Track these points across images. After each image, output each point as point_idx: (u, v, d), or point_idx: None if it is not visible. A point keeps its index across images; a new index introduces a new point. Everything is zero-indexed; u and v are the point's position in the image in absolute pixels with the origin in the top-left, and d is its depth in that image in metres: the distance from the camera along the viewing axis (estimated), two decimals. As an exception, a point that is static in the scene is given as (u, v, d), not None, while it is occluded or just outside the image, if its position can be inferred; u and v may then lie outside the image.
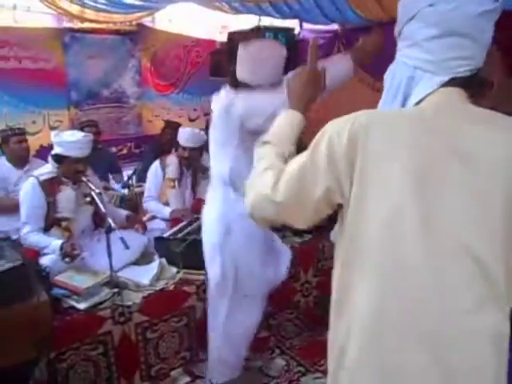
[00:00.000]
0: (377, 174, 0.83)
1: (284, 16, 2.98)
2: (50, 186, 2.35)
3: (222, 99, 1.85)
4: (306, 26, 3.95)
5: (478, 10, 0.83)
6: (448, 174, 0.81)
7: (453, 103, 0.87)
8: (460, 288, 0.80)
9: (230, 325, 2.04)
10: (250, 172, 1.07)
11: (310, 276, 2.87)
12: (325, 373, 2.41)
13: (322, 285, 2.94)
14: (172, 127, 3.85)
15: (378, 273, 0.84)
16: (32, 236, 2.29)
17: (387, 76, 0.97)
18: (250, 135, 1.65)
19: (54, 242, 2.25)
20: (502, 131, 0.83)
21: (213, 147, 1.98)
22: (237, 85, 1.83)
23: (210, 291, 2.10)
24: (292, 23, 3.94)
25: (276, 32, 3.96)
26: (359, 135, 0.83)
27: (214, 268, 2.02)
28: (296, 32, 4.07)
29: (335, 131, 0.87)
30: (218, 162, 1.95)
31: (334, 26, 3.52)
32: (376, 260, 0.84)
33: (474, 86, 0.89)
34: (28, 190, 2.33)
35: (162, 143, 3.88)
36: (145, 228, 2.75)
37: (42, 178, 2.35)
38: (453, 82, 0.87)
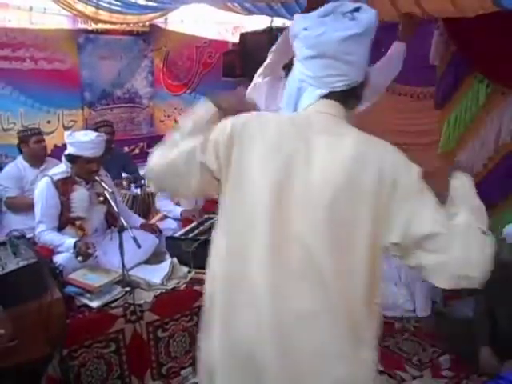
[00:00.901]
0: (243, 171, 0.98)
1: (296, 16, 2.97)
2: (63, 186, 2.38)
3: None
4: (318, 26, 3.94)
5: (342, 36, 0.93)
6: (297, 178, 0.94)
7: (323, 115, 1.00)
8: (292, 283, 0.93)
9: None
10: None
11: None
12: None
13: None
14: None
15: (225, 261, 1.04)
16: (46, 234, 2.33)
17: (286, 83, 1.09)
18: None
19: (67, 240, 2.28)
20: (347, 146, 0.95)
21: None
22: None
23: None
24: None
25: (288, 32, 3.95)
26: (236, 132, 0.99)
27: None
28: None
29: (223, 124, 1.03)
30: None
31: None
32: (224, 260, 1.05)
33: (351, 99, 1.02)
34: (42, 190, 2.37)
35: None
36: (157, 231, 2.71)
37: (56, 177, 2.38)
38: (332, 95, 0.99)
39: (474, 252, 0.91)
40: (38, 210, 2.37)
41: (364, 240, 0.92)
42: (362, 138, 0.97)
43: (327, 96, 0.99)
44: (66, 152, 2.41)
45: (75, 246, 2.23)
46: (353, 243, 0.92)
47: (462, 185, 1.07)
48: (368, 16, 0.96)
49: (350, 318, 0.94)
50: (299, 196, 0.94)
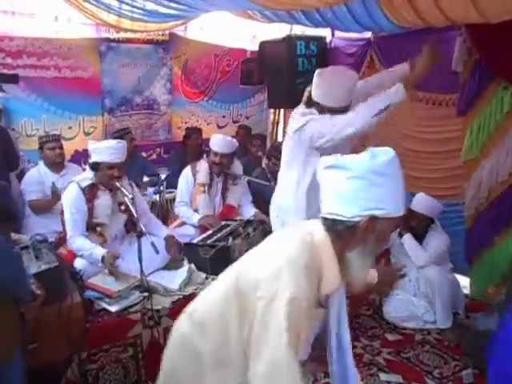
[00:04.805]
0: None
1: (316, 24, 2.96)
2: (89, 192, 2.41)
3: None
4: (337, 34, 3.93)
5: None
6: None
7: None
8: None
9: None
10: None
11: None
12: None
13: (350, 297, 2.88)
14: (197, 132, 4.09)
15: None
16: (76, 241, 2.34)
17: None
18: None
19: (95, 251, 2.29)
20: None
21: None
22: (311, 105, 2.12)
23: None
24: (324, 31, 3.93)
25: (307, 41, 3.96)
26: None
27: None
28: (327, 40, 4.06)
29: None
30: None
31: (367, 34, 3.48)
32: None
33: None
34: (71, 196, 2.39)
35: (191, 148, 3.99)
36: (179, 250, 2.60)
37: (83, 184, 2.41)
38: None
39: None
40: (67, 216, 2.37)
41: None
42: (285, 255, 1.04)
43: None
44: (90, 160, 2.46)
45: (102, 259, 2.24)
46: None
47: None
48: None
49: None
50: None
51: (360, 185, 1.01)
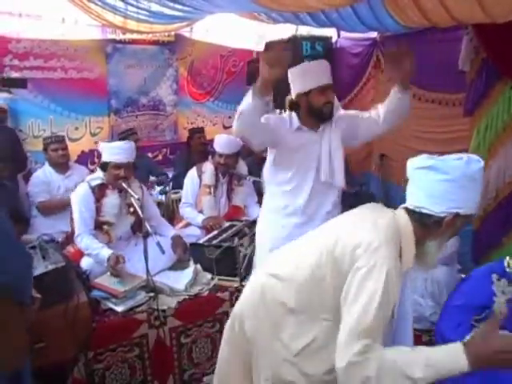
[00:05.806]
0: None
1: (322, 25, 2.97)
2: (99, 191, 2.44)
3: None
4: (343, 34, 3.93)
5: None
6: None
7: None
8: None
9: None
10: None
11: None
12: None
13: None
14: (199, 131, 4.10)
15: None
16: (84, 239, 2.35)
17: None
18: None
19: (102, 251, 2.29)
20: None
21: None
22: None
23: None
24: (330, 31, 3.92)
25: (313, 41, 3.95)
26: None
27: None
28: (333, 40, 4.05)
29: None
30: None
31: (373, 34, 3.48)
32: None
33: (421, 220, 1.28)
34: (81, 195, 2.42)
35: (195, 148, 4.00)
36: (185, 250, 2.61)
37: (93, 183, 2.45)
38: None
39: None
40: (76, 214, 2.40)
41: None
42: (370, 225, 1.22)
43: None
44: (101, 160, 2.51)
45: (108, 259, 2.25)
46: None
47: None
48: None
49: None
50: None
51: (452, 186, 1.15)
